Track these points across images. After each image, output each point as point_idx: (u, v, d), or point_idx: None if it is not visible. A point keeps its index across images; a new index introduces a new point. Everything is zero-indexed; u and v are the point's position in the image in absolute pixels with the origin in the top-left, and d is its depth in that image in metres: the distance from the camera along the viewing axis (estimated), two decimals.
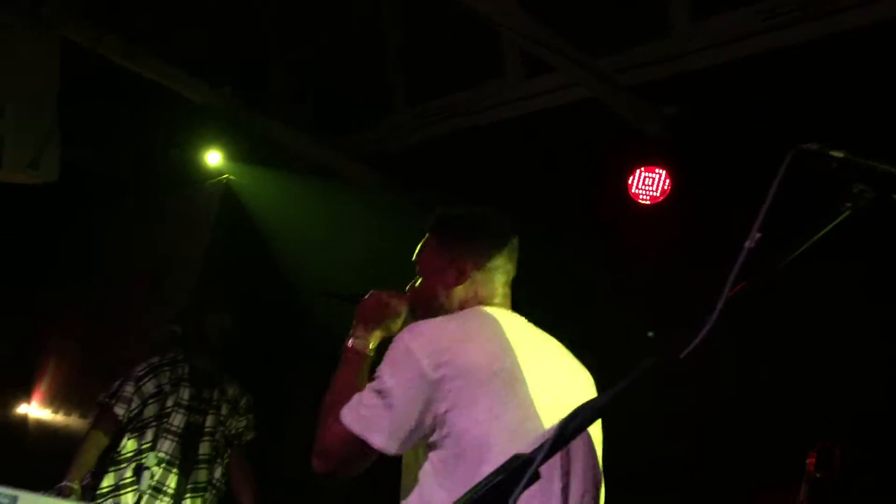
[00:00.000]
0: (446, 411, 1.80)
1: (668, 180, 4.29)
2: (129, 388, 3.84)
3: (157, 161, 5.47)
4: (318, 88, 5.55)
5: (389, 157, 5.49)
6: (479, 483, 0.93)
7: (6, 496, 2.96)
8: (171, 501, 3.77)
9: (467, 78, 5.17)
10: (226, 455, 4.03)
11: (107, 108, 5.19)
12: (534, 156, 4.81)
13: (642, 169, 4.32)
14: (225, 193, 5.49)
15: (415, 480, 1.85)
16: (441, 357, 1.83)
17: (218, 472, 3.98)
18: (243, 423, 4.11)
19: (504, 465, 0.92)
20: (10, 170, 4.30)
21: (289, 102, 5.53)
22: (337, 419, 1.85)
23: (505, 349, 1.91)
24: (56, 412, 5.99)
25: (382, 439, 1.81)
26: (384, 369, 1.88)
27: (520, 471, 0.91)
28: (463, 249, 2.14)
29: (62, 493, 3.41)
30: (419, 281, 2.20)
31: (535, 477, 0.90)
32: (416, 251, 2.24)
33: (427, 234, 2.24)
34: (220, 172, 5.44)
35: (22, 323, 6.20)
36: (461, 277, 2.11)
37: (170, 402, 3.85)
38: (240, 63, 5.38)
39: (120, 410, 3.79)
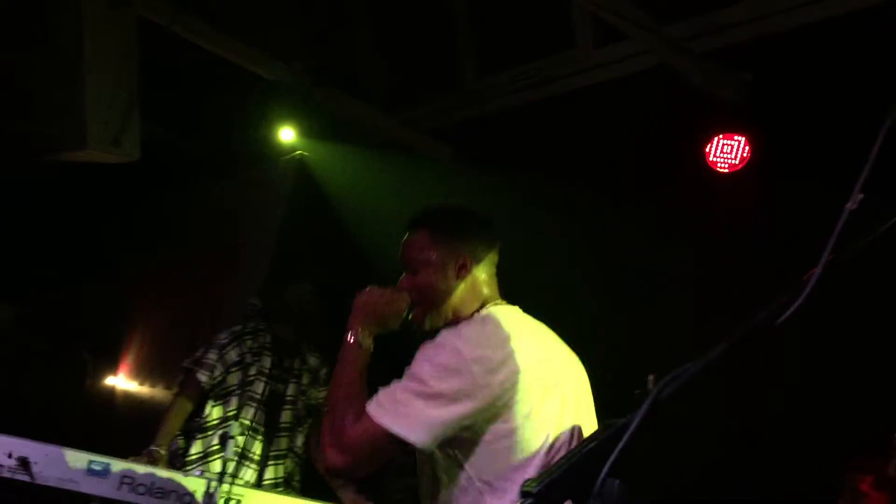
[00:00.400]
0: (493, 415, 1.92)
1: (747, 147, 4.18)
2: (212, 356, 3.91)
3: (233, 138, 5.57)
4: (389, 62, 5.56)
5: (460, 130, 5.48)
6: (571, 451, 0.92)
7: (100, 463, 3.09)
8: (257, 468, 3.86)
9: (537, 48, 5.11)
10: (306, 424, 4.09)
11: (183, 86, 5.28)
12: (607, 126, 4.73)
13: (720, 136, 4.22)
14: (299, 169, 5.55)
15: (448, 477, 1.98)
16: (490, 364, 1.93)
17: (299, 441, 4.05)
18: (323, 394, 4.17)
19: (596, 433, 0.92)
20: (94, 148, 4.40)
21: (360, 77, 5.55)
22: (363, 416, 1.92)
23: (533, 351, 2.03)
24: (142, 384, 6.20)
25: (422, 437, 1.89)
26: (430, 372, 1.93)
27: (615, 437, 0.90)
28: (460, 244, 2.18)
29: (150, 458, 3.53)
30: (417, 276, 2.19)
31: (632, 442, 0.89)
32: (405, 246, 2.23)
33: (416, 229, 2.23)
34: (293, 149, 5.51)
35: (109, 294, 6.40)
36: (462, 272, 2.16)
37: (252, 371, 3.92)
38: (312, 39, 5.41)
39: (203, 377, 3.87)
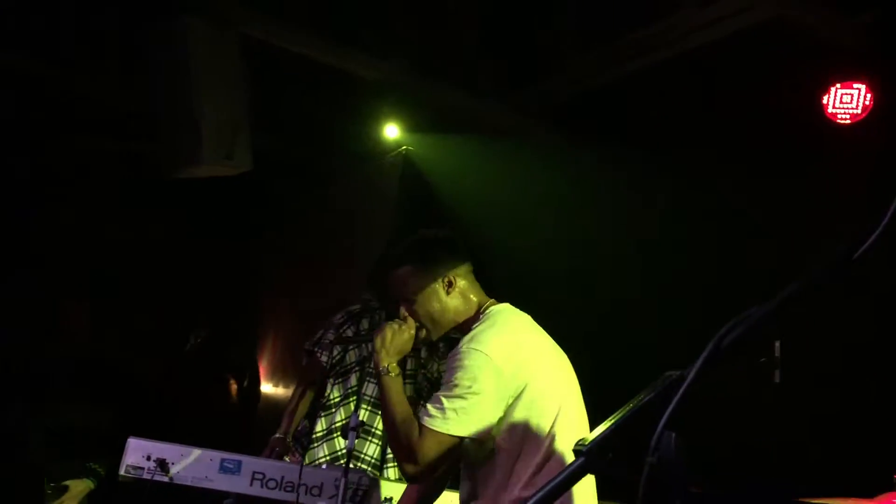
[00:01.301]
0: (516, 403, 2.34)
1: (868, 95, 3.92)
2: (330, 336, 3.99)
3: (341, 140, 5.67)
4: (490, 47, 5.52)
5: (568, 109, 5.38)
6: (628, 404, 0.88)
7: (232, 461, 3.21)
8: (379, 442, 3.89)
9: (641, 16, 4.94)
10: (429, 397, 4.10)
11: (290, 95, 5.42)
12: (718, 87, 4.55)
13: (838, 85, 3.97)
14: (405, 164, 5.60)
15: (487, 466, 2.37)
16: (510, 356, 2.36)
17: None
18: (443, 366, 4.18)
19: (652, 385, 0.87)
20: (209, 162, 4.59)
21: (462, 65, 5.53)
22: (424, 429, 2.31)
23: (533, 338, 2.51)
24: (276, 385, 6.42)
25: (472, 430, 2.31)
26: (463, 377, 2.33)
27: (671, 388, 0.85)
28: (440, 267, 2.57)
29: (276, 446, 3.64)
30: (414, 304, 2.57)
31: (688, 395, 0.84)
32: (395, 283, 2.62)
33: (399, 266, 2.62)
34: (399, 144, 5.56)
35: (244, 302, 6.65)
36: (450, 289, 2.56)
37: (370, 347, 3.97)
38: (412, 33, 5.44)
39: (324, 357, 3.95)
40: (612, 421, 0.85)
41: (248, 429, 6.29)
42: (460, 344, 2.43)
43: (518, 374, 2.36)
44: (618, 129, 5.08)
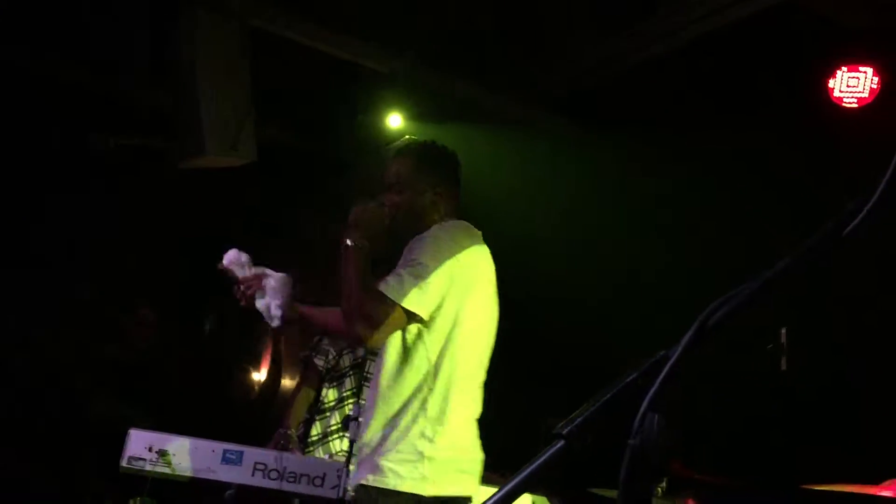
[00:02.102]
0: (452, 294, 2.44)
1: (876, 78, 3.87)
2: (326, 341, 3.99)
3: (346, 131, 5.65)
4: (497, 37, 5.47)
5: (573, 99, 5.35)
6: (611, 383, 0.85)
7: (234, 452, 3.21)
8: None
9: (651, 4, 4.90)
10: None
11: (291, 83, 5.40)
12: (725, 74, 4.50)
13: (845, 68, 3.92)
14: None
15: (402, 349, 2.47)
16: (461, 250, 2.47)
17: None
18: None
19: (637, 363, 0.84)
20: (213, 154, 4.59)
21: (470, 56, 5.49)
22: (378, 296, 2.38)
23: (484, 253, 2.60)
24: (294, 378, 6.41)
25: (422, 310, 2.40)
26: (419, 252, 2.44)
27: (654, 368, 0.82)
28: (437, 173, 2.68)
29: (280, 440, 3.64)
30: (401, 195, 2.64)
31: (674, 374, 0.81)
32: (392, 167, 2.70)
33: (404, 155, 2.73)
34: (402, 134, 5.53)
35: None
36: (437, 197, 2.64)
37: (361, 351, 3.97)
38: (419, 24, 5.40)
39: (320, 362, 3.95)
40: (593, 402, 0.83)
41: (266, 420, 6.29)
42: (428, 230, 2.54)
43: (465, 270, 2.48)
44: (626, 118, 5.05)
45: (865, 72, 3.87)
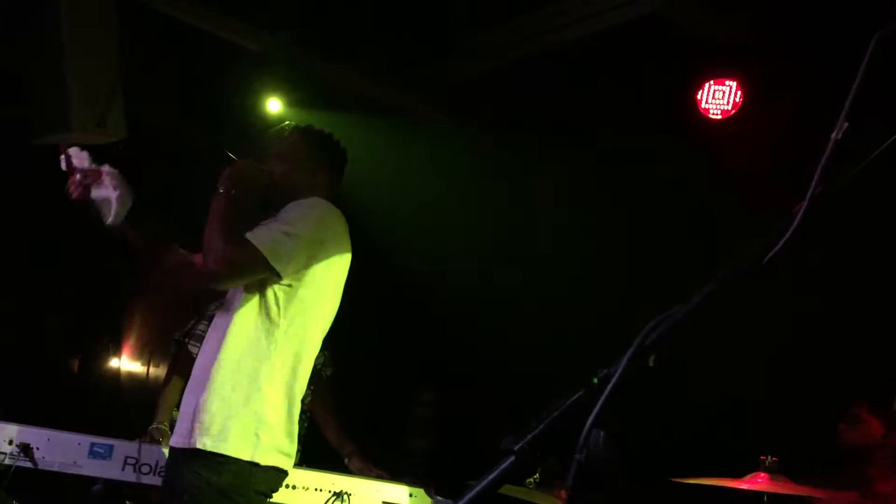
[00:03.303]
0: (315, 265, 2.47)
1: (739, 92, 4.12)
2: (202, 327, 3.84)
3: (222, 112, 5.49)
4: (379, 25, 5.45)
5: (453, 90, 5.40)
6: (557, 401, 0.89)
7: (103, 446, 3.07)
8: None
9: (530, 2, 5.00)
10: (308, 391, 4.05)
11: (168, 63, 5.19)
12: (598, 77, 4.66)
13: (711, 82, 4.15)
14: None
15: (252, 310, 2.44)
16: (328, 228, 2.52)
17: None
18: (320, 360, 4.13)
19: (579, 382, 0.88)
20: (80, 130, 4.33)
21: (348, 43, 5.45)
22: (242, 240, 2.38)
23: (348, 251, 2.62)
24: (145, 364, 6.19)
25: (283, 266, 2.40)
26: (296, 217, 2.47)
27: (597, 387, 0.87)
28: (321, 158, 2.77)
29: (153, 437, 3.50)
30: (284, 164, 2.71)
31: (616, 391, 0.86)
32: (280, 137, 2.83)
33: (292, 133, 2.85)
34: (281, 119, 5.43)
35: (106, 275, 6.34)
36: (316, 179, 2.71)
37: None
38: (297, 6, 5.31)
39: (194, 349, 3.80)
40: (542, 418, 0.86)
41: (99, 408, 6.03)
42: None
43: (326, 245, 2.52)
44: (502, 112, 5.14)
45: (730, 86, 4.11)
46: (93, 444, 3.03)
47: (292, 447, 2.52)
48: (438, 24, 5.23)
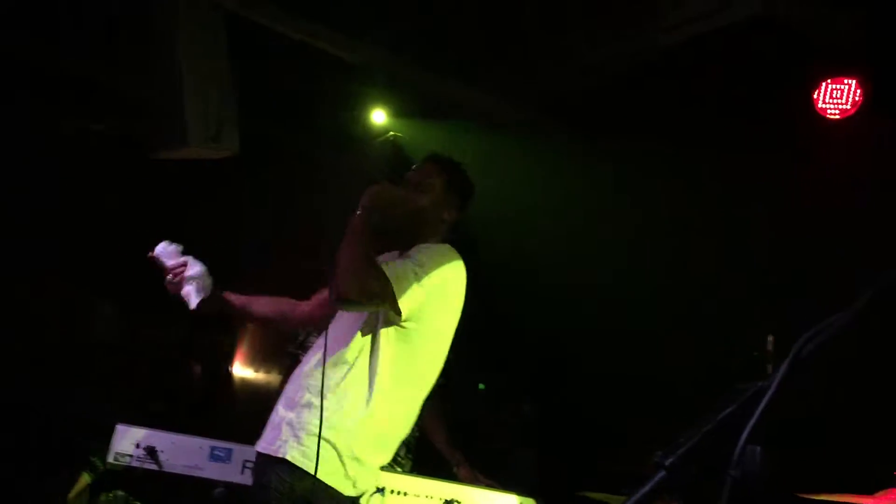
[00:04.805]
0: (433, 313, 2.46)
1: (859, 91, 3.95)
2: (313, 338, 3.91)
3: (328, 124, 5.60)
4: (479, 35, 5.47)
5: (558, 99, 5.36)
6: (707, 415, 0.86)
7: (223, 450, 3.17)
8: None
9: (631, 8, 4.92)
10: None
11: (275, 77, 5.34)
12: (711, 82, 4.55)
13: (828, 81, 3.99)
14: (393, 149, 5.55)
15: (363, 340, 2.44)
16: (457, 280, 2.52)
17: None
18: None
19: (732, 396, 0.85)
20: (194, 145, 4.51)
21: (450, 53, 5.49)
22: (379, 271, 2.35)
23: (463, 295, 2.58)
24: (257, 371, 6.36)
25: (406, 307, 2.37)
26: (428, 262, 2.44)
27: (751, 401, 0.83)
28: (457, 201, 2.71)
29: None
30: (420, 197, 2.64)
31: (772, 406, 0.82)
32: (422, 168, 2.75)
33: (435, 164, 2.75)
34: (386, 130, 5.51)
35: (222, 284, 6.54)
36: (446, 220, 2.67)
37: None
38: (398, 19, 5.39)
39: None
40: (694, 433, 0.84)
41: (218, 414, 6.22)
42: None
43: (448, 299, 2.51)
44: (608, 121, 5.08)
45: (849, 84, 3.94)
46: (213, 448, 3.14)
47: (369, 479, 2.51)
48: (547, 34, 5.21)
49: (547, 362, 5.38)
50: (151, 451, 3.06)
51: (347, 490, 2.39)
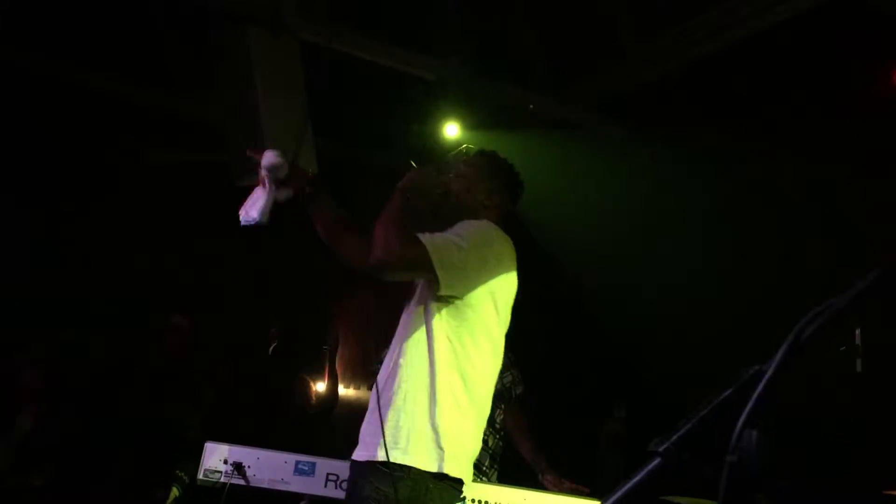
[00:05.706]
0: (479, 285, 2.46)
1: None
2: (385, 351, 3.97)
3: (399, 140, 5.69)
4: (545, 42, 5.47)
5: (624, 101, 5.31)
6: (704, 400, 0.86)
7: (307, 464, 3.26)
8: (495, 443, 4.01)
9: (695, 3, 4.84)
10: (498, 410, 4.09)
11: (347, 97, 5.46)
12: (782, 71, 4.43)
13: None
14: None
15: (422, 328, 2.48)
16: (500, 251, 2.56)
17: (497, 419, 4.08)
18: (509, 379, 4.17)
19: (731, 380, 0.84)
20: None
21: (518, 60, 5.51)
22: (414, 238, 2.40)
23: (513, 269, 2.61)
24: (347, 388, 6.48)
25: (445, 273, 2.38)
26: (467, 233, 2.48)
27: (750, 384, 0.82)
28: (497, 183, 2.79)
29: None
30: (461, 178, 2.77)
31: (770, 389, 0.81)
32: (464, 154, 2.91)
33: (477, 152, 2.90)
34: (460, 143, 5.55)
35: (314, 303, 6.70)
36: (489, 203, 2.73)
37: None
38: (464, 32, 5.44)
39: None
40: (689, 418, 0.83)
41: (323, 431, 6.35)
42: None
43: (500, 272, 2.53)
44: (678, 118, 5.00)
45: None
46: (297, 462, 3.23)
47: (470, 462, 2.54)
48: (605, 35, 5.17)
49: (632, 365, 5.30)
50: (239, 467, 3.16)
51: (451, 470, 2.42)
